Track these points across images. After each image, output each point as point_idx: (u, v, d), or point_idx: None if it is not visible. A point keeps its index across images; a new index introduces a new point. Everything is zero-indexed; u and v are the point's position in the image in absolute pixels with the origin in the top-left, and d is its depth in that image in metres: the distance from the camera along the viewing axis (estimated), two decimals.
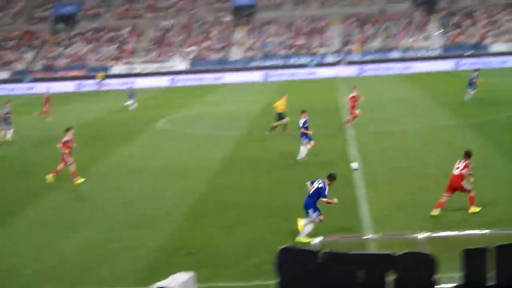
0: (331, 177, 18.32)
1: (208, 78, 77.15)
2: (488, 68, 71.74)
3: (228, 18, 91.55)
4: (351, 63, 78.61)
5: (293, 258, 8.99)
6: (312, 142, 28.54)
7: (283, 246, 8.71)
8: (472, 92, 44.00)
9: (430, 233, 9.92)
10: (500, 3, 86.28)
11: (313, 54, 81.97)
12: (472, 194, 19.66)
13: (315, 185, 18.13)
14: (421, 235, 9.62)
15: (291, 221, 19.44)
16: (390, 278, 8.83)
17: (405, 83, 61.64)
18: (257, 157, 29.98)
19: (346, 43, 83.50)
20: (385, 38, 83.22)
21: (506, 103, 42.34)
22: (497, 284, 8.55)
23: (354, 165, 24.49)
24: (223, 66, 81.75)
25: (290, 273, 8.95)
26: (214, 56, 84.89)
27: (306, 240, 17.36)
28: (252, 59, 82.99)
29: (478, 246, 8.70)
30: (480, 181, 22.70)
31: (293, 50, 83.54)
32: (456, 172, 19.86)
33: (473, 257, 8.59)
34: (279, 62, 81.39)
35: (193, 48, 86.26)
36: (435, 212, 19.47)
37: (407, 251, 8.65)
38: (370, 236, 17.69)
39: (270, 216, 20.38)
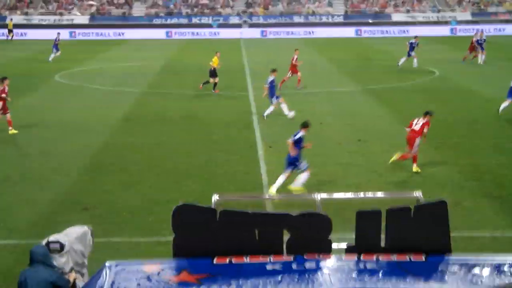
0: (306, 125, 18.55)
1: (109, 34, 75.69)
2: (388, 36, 73.39)
3: None
4: (254, 25, 78.74)
5: (190, 216, 8.96)
6: (281, 99, 28.56)
7: (180, 203, 8.70)
8: (415, 59, 44.84)
9: (327, 194, 10.11)
10: None
11: (217, 14, 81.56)
12: (414, 155, 20.16)
13: (292, 137, 18.27)
14: (317, 196, 9.77)
15: (192, 180, 19.50)
16: (286, 237, 8.95)
17: (308, 48, 62.19)
18: (158, 115, 29.74)
19: (249, 5, 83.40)
20: (288, 3, 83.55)
21: (405, 71, 43.44)
22: (387, 246, 8.78)
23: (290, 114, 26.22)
24: (125, 22, 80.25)
25: (186, 230, 8.93)
26: (116, 12, 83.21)
27: (300, 189, 18.00)
28: (155, 16, 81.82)
29: (370, 209, 8.91)
30: (377, 147, 23.36)
31: (196, 9, 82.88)
32: (416, 127, 20.18)
33: (365, 219, 8.80)
34: (183, 20, 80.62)
35: (94, 2, 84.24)
36: (415, 168, 20.08)
37: (303, 211, 8.79)
38: (268, 196, 17.96)
39: (171, 175, 20.30)
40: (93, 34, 75.48)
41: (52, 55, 51.43)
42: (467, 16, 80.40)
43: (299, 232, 8.79)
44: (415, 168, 20.25)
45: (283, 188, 18.11)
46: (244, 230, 8.79)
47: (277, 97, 28.60)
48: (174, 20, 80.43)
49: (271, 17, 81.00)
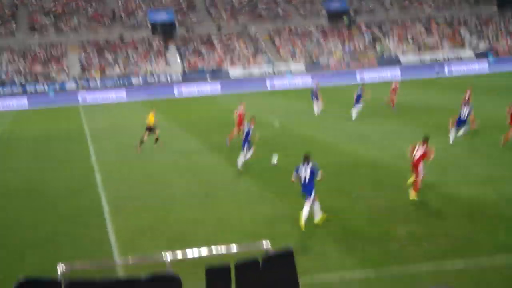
0: (307, 157, 19.54)
1: None
2: (228, 93, 74.65)
3: None
4: (92, 89, 77.87)
5: None
6: (252, 150, 28.70)
7: (22, 279, 8.27)
8: (358, 108, 43.37)
9: (176, 253, 9.96)
10: (233, 31, 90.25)
11: (52, 81, 79.97)
12: (420, 180, 21.58)
13: (307, 170, 19.31)
14: (167, 256, 9.60)
15: (37, 253, 18.70)
16: None
17: (147, 108, 61.99)
18: None
19: (85, 70, 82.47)
20: (125, 65, 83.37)
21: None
22: None
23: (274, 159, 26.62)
24: None
25: None
26: None
27: (324, 216, 19.47)
28: None
29: (220, 264, 8.84)
30: (225, 201, 23.45)
31: (30, 77, 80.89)
32: (417, 155, 21.61)
33: (215, 275, 8.72)
34: (16, 90, 78.37)
35: None
36: (413, 195, 21.47)
37: (152, 273, 8.61)
38: (116, 261, 17.48)
39: (13, 250, 19.37)
40: None
41: None
42: (301, 68, 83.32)
43: None
44: (413, 195, 21.53)
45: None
46: None
47: (249, 148, 28.66)
48: (7, 90, 77.99)
49: (108, 80, 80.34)
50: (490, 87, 57.01)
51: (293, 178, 19.82)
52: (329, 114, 46.42)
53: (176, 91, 76.30)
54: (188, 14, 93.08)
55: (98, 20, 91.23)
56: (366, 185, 24.39)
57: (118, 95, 75.77)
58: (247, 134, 28.72)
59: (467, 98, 36.90)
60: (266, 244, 9.63)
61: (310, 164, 19.52)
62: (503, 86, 56.63)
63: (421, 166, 21.68)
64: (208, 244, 18.14)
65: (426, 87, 56.69)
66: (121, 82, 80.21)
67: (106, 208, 23.72)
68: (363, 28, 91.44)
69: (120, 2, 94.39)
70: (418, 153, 21.74)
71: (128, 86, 78.93)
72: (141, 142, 35.68)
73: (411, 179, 22.19)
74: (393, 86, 46.66)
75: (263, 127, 42.01)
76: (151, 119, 36.36)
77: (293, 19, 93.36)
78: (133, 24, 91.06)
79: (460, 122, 31.54)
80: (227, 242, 17.80)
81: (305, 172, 19.39)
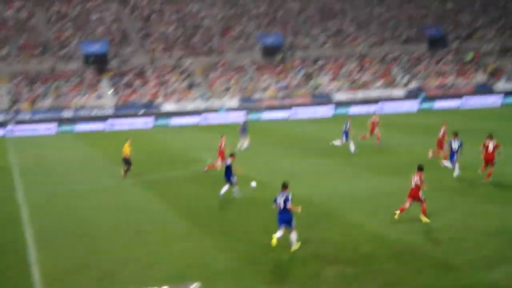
0: (286, 186, 20.89)
1: None
2: (159, 126, 74.31)
3: None
4: (21, 122, 76.36)
5: None
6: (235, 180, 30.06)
7: None
8: (351, 143, 43.34)
9: None
10: (168, 64, 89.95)
11: None
12: (424, 204, 23.71)
13: (281, 199, 20.60)
14: None
15: None
16: None
17: (78, 142, 61.23)
18: None
19: (14, 102, 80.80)
20: (56, 97, 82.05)
21: (178, 160, 43.68)
22: None
23: (253, 184, 29.02)
24: None
25: None
26: None
27: (298, 245, 20.69)
28: None
29: None
30: (156, 238, 23.11)
31: None
32: (413, 184, 23.81)
33: None
34: None
35: None
36: (397, 214, 23.85)
37: None
38: None
39: None
40: None
41: None
42: (235, 103, 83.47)
43: None
44: (424, 218, 23.58)
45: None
46: None
47: (233, 178, 29.96)
48: None
49: (38, 113, 78.84)
50: (418, 126, 58.20)
51: (274, 206, 21.01)
52: (261, 150, 46.58)
53: (107, 125, 75.52)
54: (121, 46, 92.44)
55: (29, 50, 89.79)
56: (297, 223, 24.34)
57: (48, 128, 74.59)
58: (228, 168, 29.90)
59: (443, 132, 36.68)
60: (197, 286, 9.51)
61: (286, 192, 20.66)
62: (431, 125, 57.71)
63: (421, 192, 23.84)
64: (137, 284, 17.87)
65: (358, 124, 57.32)
66: (52, 114, 78.78)
67: (32, 244, 23.12)
68: (298, 63, 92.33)
69: (52, 32, 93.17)
70: (415, 182, 23.81)
71: (59, 119, 77.58)
72: (125, 171, 36.56)
73: (406, 205, 24.01)
74: (373, 119, 47.12)
75: (193, 163, 41.78)
76: (126, 149, 36.29)
77: (228, 53, 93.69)
78: (65, 55, 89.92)
79: (453, 155, 32.64)
80: (157, 282, 17.53)
81: (280, 200, 20.62)
